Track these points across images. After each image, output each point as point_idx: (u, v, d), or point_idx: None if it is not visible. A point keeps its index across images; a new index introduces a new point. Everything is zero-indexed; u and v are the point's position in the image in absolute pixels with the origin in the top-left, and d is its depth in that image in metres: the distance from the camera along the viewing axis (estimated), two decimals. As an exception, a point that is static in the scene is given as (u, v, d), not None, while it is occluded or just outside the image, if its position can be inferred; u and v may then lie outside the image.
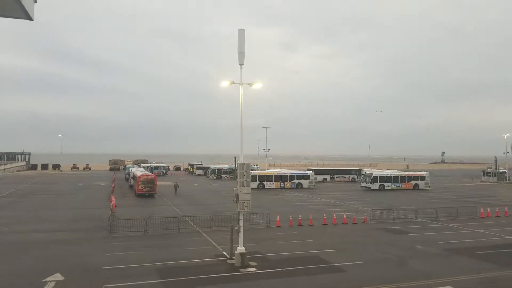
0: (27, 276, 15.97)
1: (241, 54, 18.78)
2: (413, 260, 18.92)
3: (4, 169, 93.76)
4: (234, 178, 71.26)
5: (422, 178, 59.25)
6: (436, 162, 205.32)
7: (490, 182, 74.31)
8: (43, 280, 15.22)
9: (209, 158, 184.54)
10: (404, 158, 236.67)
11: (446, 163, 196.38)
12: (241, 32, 18.79)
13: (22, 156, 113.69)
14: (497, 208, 35.07)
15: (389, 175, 58.69)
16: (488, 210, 33.22)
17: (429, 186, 59.07)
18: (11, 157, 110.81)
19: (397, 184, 57.43)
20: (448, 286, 14.86)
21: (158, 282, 15.36)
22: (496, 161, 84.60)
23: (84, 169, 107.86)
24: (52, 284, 14.92)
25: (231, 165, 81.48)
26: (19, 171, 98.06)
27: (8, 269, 17.01)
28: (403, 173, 62.24)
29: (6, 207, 36.18)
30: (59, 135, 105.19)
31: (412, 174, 61.65)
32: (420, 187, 57.99)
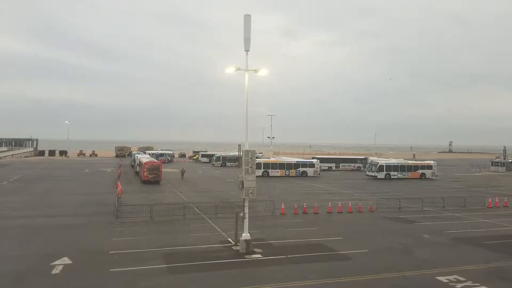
0: (35, 259, 16.14)
1: (247, 40, 18.45)
2: (419, 249, 18.81)
3: (12, 155, 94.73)
4: (238, 166, 71.38)
5: (429, 167, 58.80)
6: (444, 152, 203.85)
7: (498, 172, 73.60)
8: (51, 264, 15.38)
9: (214, 146, 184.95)
10: (411, 147, 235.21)
11: (454, 152, 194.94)
12: (247, 18, 18.44)
13: (30, 142, 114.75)
14: (505, 198, 34.78)
15: (395, 164, 58.33)
16: (496, 200, 32.93)
17: (436, 176, 58.66)
18: (19, 143, 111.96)
19: (404, 173, 57.08)
20: (455, 275, 14.76)
21: (164, 267, 15.44)
22: (505, 150, 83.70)
23: (90, 155, 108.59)
24: (60, 267, 15.07)
25: (236, 153, 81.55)
26: (27, 157, 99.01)
27: (17, 252, 17.21)
28: (410, 162, 61.80)
29: (14, 192, 36.57)
30: (66, 122, 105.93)
31: (418, 163, 61.21)
32: (427, 177, 57.59)
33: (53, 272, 14.60)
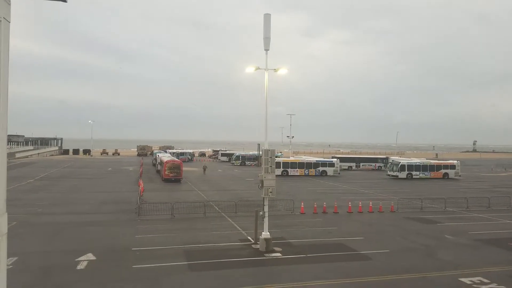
0: (61, 255, 16.69)
1: (267, 39, 18.53)
2: (442, 250, 18.46)
3: (38, 154, 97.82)
4: (257, 165, 71.54)
5: (452, 167, 57.43)
6: (467, 151, 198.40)
7: (525, 172, 71.22)
8: (76, 260, 15.88)
9: (233, 145, 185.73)
10: (433, 147, 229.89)
11: (478, 152, 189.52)
12: (267, 17, 18.50)
13: (55, 141, 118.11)
14: (532, 199, 33.61)
15: (417, 163, 57.21)
16: (523, 201, 31.90)
17: (460, 176, 57.25)
18: (44, 142, 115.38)
19: (426, 173, 55.95)
20: (479, 277, 14.45)
21: (185, 264, 15.72)
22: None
23: (113, 154, 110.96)
24: (85, 263, 15.54)
25: (255, 152, 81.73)
26: (52, 155, 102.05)
27: (43, 249, 17.83)
28: (432, 161, 60.47)
29: (40, 189, 37.80)
30: (89, 121, 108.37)
31: (441, 163, 59.83)
32: (450, 176, 56.28)
33: (78, 267, 15.07)
